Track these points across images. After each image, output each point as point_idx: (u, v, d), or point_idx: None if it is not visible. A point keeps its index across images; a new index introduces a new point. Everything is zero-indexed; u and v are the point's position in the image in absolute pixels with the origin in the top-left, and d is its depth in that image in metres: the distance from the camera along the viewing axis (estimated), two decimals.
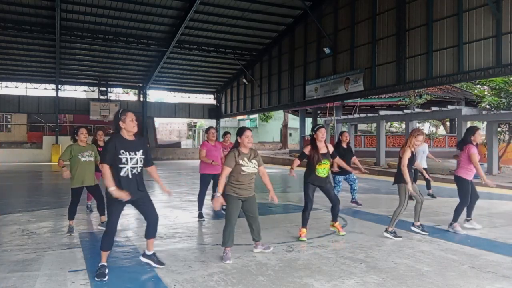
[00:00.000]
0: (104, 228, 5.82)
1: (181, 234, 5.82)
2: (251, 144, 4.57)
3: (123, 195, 3.79)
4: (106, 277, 3.86)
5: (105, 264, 3.98)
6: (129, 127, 3.91)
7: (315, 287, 3.69)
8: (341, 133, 8.14)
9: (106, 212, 6.02)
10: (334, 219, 5.71)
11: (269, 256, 4.62)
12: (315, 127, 5.57)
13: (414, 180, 5.72)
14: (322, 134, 5.43)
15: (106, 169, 3.82)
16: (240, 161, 4.48)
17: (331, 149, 5.61)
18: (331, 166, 5.84)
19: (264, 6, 19.23)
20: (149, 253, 4.24)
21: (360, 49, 17.33)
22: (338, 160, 5.94)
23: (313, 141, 5.48)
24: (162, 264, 4.22)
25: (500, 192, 10.53)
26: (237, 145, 4.59)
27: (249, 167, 4.51)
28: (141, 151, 3.98)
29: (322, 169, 5.40)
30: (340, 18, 18.47)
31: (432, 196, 9.09)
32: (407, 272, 4.08)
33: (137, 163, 3.94)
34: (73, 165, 5.68)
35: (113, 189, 3.78)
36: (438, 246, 5.08)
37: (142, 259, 4.27)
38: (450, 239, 5.48)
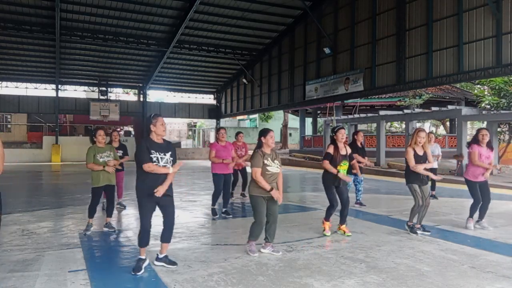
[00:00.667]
0: (108, 229, 5.87)
1: (181, 234, 5.82)
2: (274, 145, 4.70)
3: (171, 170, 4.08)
4: (142, 271, 3.99)
5: (143, 257, 4.12)
6: (159, 130, 4.13)
7: (315, 287, 3.69)
8: (356, 132, 8.13)
9: (112, 213, 6.09)
10: (342, 221, 5.70)
11: (269, 256, 4.62)
12: (335, 128, 5.64)
13: (425, 181, 5.70)
14: (342, 135, 5.51)
15: (151, 166, 4.02)
16: (265, 161, 4.60)
17: (349, 150, 5.69)
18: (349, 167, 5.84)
19: (264, 6, 19.22)
20: (161, 256, 4.29)
21: (360, 49, 17.33)
22: (354, 163, 5.92)
23: (333, 142, 5.54)
24: (174, 264, 4.25)
25: (500, 192, 10.54)
26: (260, 145, 4.69)
27: (273, 167, 4.64)
28: (170, 153, 4.17)
29: (343, 170, 5.48)
30: (340, 18, 18.47)
31: (434, 197, 9.07)
32: (407, 272, 4.08)
33: (167, 163, 4.12)
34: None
35: (171, 170, 4.07)
36: (438, 246, 5.08)
37: (156, 263, 4.27)
38: (450, 239, 5.48)
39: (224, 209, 7.18)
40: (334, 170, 5.42)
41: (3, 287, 3.68)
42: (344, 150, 5.57)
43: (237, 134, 8.59)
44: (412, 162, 5.54)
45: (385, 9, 16.08)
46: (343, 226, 5.70)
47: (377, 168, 17.17)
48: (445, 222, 6.41)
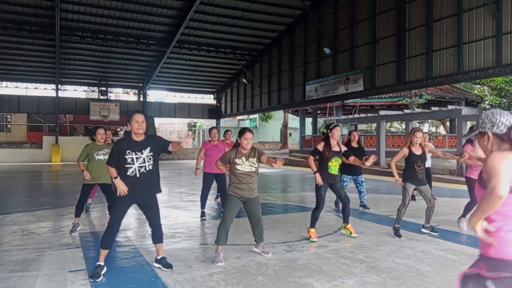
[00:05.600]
0: None
1: (181, 234, 5.82)
2: (249, 146, 4.54)
3: (123, 188, 3.92)
4: (101, 278, 3.85)
5: (102, 264, 3.99)
6: (134, 128, 3.99)
7: (315, 287, 3.69)
8: (350, 132, 8.01)
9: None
10: (346, 220, 5.65)
11: (269, 256, 4.62)
12: (331, 125, 5.53)
13: (422, 181, 5.65)
14: (338, 132, 5.41)
15: (111, 168, 4.02)
16: (236, 160, 4.49)
17: (343, 148, 5.55)
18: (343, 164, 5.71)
19: (264, 6, 19.22)
20: (158, 257, 4.27)
21: (360, 49, 17.33)
22: (351, 159, 5.64)
23: (326, 139, 5.44)
24: (169, 267, 4.17)
25: None
26: (237, 144, 4.61)
27: (244, 165, 4.49)
28: (148, 149, 4.02)
29: (334, 166, 5.40)
30: (340, 18, 18.46)
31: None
32: (407, 272, 4.08)
33: (144, 162, 3.99)
34: (88, 163, 5.81)
35: (117, 179, 3.94)
36: (438, 246, 5.08)
37: (154, 264, 4.28)
38: (450, 239, 5.48)
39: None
40: (313, 168, 5.38)
41: (3, 287, 3.68)
42: (337, 147, 5.44)
43: (225, 132, 8.44)
44: (395, 158, 5.60)
45: (385, 9, 16.08)
46: (349, 226, 5.64)
47: (377, 168, 17.17)
48: (445, 222, 6.41)
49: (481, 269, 1.84)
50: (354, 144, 7.74)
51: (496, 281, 1.76)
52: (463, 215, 6.00)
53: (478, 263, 1.90)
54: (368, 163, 5.48)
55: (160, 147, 4.12)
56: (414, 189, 5.81)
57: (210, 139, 7.15)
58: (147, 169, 3.99)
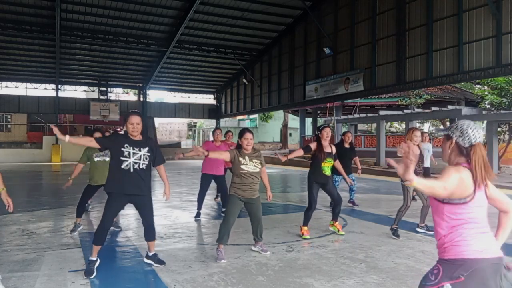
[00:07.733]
0: (114, 228, 5.86)
1: (181, 234, 5.82)
2: (250, 147, 4.58)
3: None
4: (94, 273, 3.91)
5: (94, 258, 4.02)
6: (128, 130, 4.03)
7: (315, 287, 3.69)
8: (344, 133, 8.15)
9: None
10: (335, 218, 5.76)
11: (269, 256, 4.63)
12: (320, 127, 5.66)
13: None
14: (327, 133, 5.53)
15: (90, 138, 4.14)
16: (240, 159, 4.51)
17: (334, 150, 5.70)
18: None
19: (264, 6, 19.21)
20: (150, 254, 4.34)
21: (360, 49, 17.32)
22: (337, 164, 5.86)
23: (318, 140, 5.58)
24: (162, 263, 4.26)
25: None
26: (239, 146, 4.64)
27: (249, 165, 4.52)
28: (147, 148, 4.06)
29: (327, 168, 5.52)
30: (340, 18, 18.46)
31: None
32: (407, 272, 4.08)
33: (140, 159, 4.02)
34: (90, 165, 5.83)
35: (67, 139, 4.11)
36: None
37: (145, 260, 4.37)
38: None
39: (224, 209, 7.17)
40: (293, 154, 5.59)
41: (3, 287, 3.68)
42: (329, 148, 5.60)
43: (226, 133, 8.49)
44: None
45: (385, 9, 16.07)
46: (337, 223, 5.76)
47: (377, 168, 17.17)
48: None
49: (436, 277, 2.07)
50: (346, 145, 7.88)
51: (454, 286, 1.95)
52: None
53: (434, 269, 2.11)
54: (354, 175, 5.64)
55: (154, 156, 4.16)
56: (413, 189, 5.82)
57: (213, 139, 7.16)
58: (141, 167, 4.03)
